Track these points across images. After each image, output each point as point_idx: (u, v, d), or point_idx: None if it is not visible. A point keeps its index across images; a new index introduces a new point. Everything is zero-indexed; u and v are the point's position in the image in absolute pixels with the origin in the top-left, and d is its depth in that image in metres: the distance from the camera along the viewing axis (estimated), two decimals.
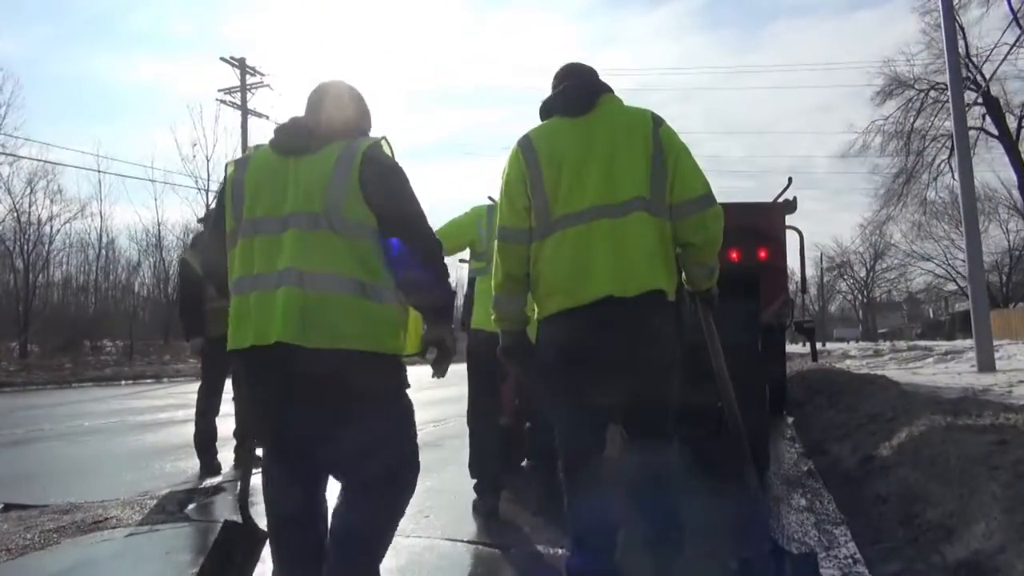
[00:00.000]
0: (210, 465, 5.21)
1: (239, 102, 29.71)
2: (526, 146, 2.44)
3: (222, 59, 29.60)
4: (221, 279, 2.21)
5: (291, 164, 2.10)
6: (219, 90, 29.66)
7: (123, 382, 19.14)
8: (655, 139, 2.37)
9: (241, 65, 29.79)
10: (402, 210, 2.11)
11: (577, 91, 2.49)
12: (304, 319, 1.95)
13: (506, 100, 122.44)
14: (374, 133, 2.30)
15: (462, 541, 3.39)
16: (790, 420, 8.13)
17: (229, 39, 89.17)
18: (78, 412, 10.38)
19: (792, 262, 6.52)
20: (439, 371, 2.23)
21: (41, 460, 6.34)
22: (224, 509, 4.16)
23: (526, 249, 2.40)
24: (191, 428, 5.47)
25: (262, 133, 41.98)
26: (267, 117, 30.19)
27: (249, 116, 29.73)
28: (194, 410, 5.48)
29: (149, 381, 19.96)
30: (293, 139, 2.15)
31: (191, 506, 4.18)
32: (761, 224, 5.32)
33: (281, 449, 2.14)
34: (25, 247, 27.21)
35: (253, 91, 30.18)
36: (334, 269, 2.00)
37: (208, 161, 32.40)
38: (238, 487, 4.34)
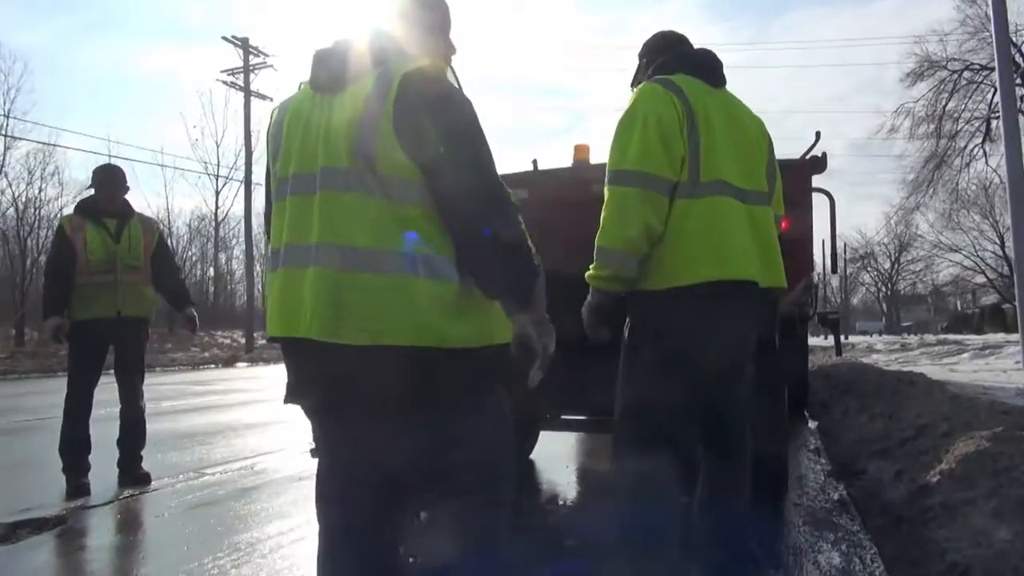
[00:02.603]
0: (77, 484, 4.14)
1: (242, 84, 29.07)
2: (677, 91, 2.22)
3: (224, 38, 28.96)
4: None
5: (326, 104, 1.62)
6: (222, 71, 29.12)
7: (111, 371, 18.30)
8: (770, 148, 2.47)
9: (244, 45, 29.17)
10: (453, 159, 1.55)
11: (714, 61, 2.41)
12: (338, 309, 1.51)
13: (513, 90, 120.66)
14: None
15: None
16: (813, 425, 6.96)
17: (238, 23, 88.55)
18: (21, 406, 9.42)
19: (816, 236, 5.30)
20: (530, 378, 1.73)
21: None
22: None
23: (668, 204, 2.18)
24: (112, 429, 4.48)
25: (266, 115, 41.43)
26: (271, 99, 29.72)
27: (252, 98, 29.15)
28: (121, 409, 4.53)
29: None
30: (325, 69, 1.65)
31: None
32: (783, 185, 4.20)
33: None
34: (21, 230, 26.69)
35: (256, 72, 29.69)
36: (374, 242, 1.52)
37: (218, 146, 31.85)
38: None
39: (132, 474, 4.38)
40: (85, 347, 4.31)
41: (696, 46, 2.51)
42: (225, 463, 5.16)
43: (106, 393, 4.54)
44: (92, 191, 4.55)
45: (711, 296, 2.14)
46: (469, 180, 1.57)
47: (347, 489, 1.66)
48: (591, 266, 2.30)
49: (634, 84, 2.56)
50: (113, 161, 29.70)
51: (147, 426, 4.65)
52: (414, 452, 1.59)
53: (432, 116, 1.55)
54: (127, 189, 4.61)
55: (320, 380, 1.60)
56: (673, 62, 2.39)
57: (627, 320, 2.34)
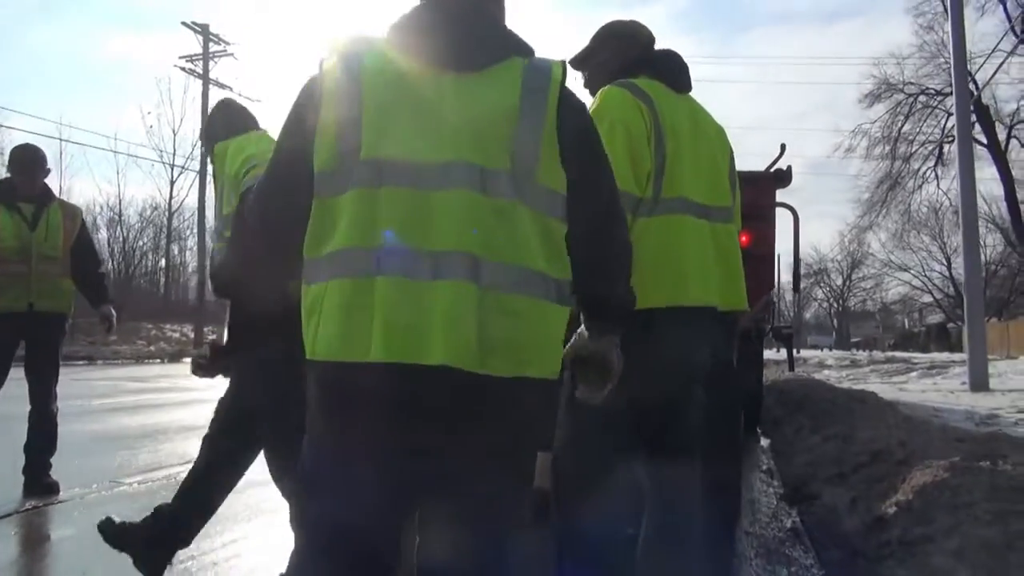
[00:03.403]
0: None
1: (201, 71, 28.40)
2: (645, 98, 2.04)
3: (184, 24, 28.30)
4: (285, 242, 1.43)
5: (445, 83, 1.36)
6: (180, 57, 28.43)
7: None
8: (732, 158, 2.29)
9: (204, 31, 28.54)
10: (603, 181, 1.49)
11: (681, 64, 2.23)
12: (485, 334, 1.29)
13: None
14: None
15: None
16: (766, 444, 6.87)
17: (197, 11, 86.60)
18: None
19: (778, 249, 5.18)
20: (592, 395, 1.62)
21: None
22: None
23: (630, 223, 1.96)
24: (22, 431, 4.11)
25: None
26: (230, 88, 29.11)
27: (212, 86, 28.50)
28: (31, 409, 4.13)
29: (81, 363, 18.46)
30: (459, 43, 1.40)
31: None
32: (745, 199, 4.05)
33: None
34: None
35: (216, 60, 29.08)
36: (521, 259, 1.34)
37: (175, 134, 31.11)
38: None
39: (39, 483, 4.02)
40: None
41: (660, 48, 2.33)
42: (147, 471, 4.81)
43: (18, 388, 4.17)
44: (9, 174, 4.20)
45: (664, 322, 1.96)
46: (611, 196, 1.50)
47: (379, 527, 1.38)
48: None
49: (580, 68, 2.34)
50: (64, 145, 28.71)
51: (70, 426, 4.34)
52: (482, 488, 1.38)
53: (586, 123, 1.47)
54: (47, 172, 4.25)
55: (440, 415, 1.31)
56: (636, 63, 2.19)
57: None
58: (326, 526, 1.37)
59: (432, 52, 1.38)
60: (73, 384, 10.44)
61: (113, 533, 2.62)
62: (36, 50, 59.76)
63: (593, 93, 2.31)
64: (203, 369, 2.50)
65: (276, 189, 1.43)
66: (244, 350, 2.53)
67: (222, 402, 2.69)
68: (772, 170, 4.37)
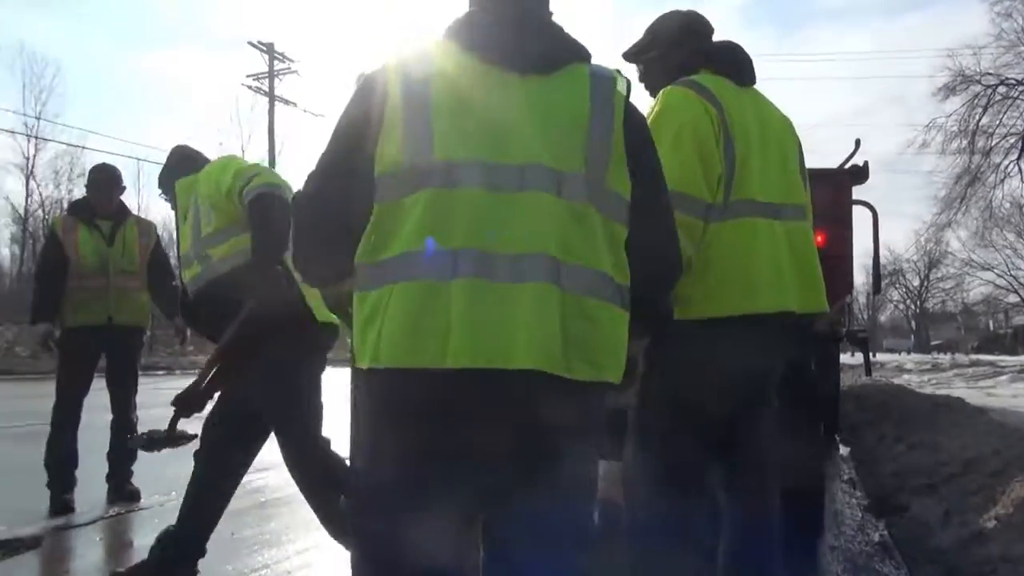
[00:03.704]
0: (60, 500, 3.90)
1: (266, 89, 29.29)
2: (710, 98, 1.96)
3: (250, 43, 29.20)
4: (334, 245, 1.38)
5: (512, 85, 1.35)
6: (247, 76, 29.35)
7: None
8: (801, 152, 2.18)
9: (269, 50, 29.36)
10: (661, 194, 1.49)
11: (744, 56, 2.13)
12: (567, 336, 1.27)
13: None
14: None
15: None
16: (845, 452, 6.57)
17: (263, 28, 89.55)
18: (33, 409, 9.26)
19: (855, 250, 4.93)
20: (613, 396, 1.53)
21: None
22: None
23: (702, 229, 1.92)
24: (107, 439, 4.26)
25: (290, 121, 41.90)
26: (295, 104, 29.91)
27: (277, 103, 29.36)
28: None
29: (160, 373, 19.14)
30: (526, 45, 1.39)
31: None
32: (820, 197, 3.87)
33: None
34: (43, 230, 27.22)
35: (281, 77, 29.88)
36: (596, 262, 1.34)
37: (243, 152, 32.15)
38: None
39: (121, 490, 4.15)
40: (74, 355, 4.11)
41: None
42: None
43: (100, 398, 4.32)
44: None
45: (737, 330, 1.88)
46: (667, 207, 1.51)
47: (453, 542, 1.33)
48: None
49: (634, 61, 2.25)
50: (141, 164, 30.09)
51: None
52: (553, 494, 1.33)
53: (647, 138, 1.49)
54: (123, 190, 4.43)
55: (518, 420, 1.28)
56: (695, 56, 2.10)
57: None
58: (389, 540, 1.32)
59: (495, 54, 1.36)
60: (152, 393, 10.82)
61: None
62: (106, 71, 62.98)
63: (649, 87, 2.23)
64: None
65: (331, 190, 1.38)
66: (250, 356, 2.59)
67: (210, 418, 2.82)
68: (847, 166, 4.16)
